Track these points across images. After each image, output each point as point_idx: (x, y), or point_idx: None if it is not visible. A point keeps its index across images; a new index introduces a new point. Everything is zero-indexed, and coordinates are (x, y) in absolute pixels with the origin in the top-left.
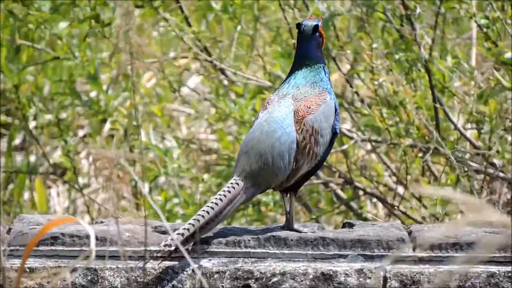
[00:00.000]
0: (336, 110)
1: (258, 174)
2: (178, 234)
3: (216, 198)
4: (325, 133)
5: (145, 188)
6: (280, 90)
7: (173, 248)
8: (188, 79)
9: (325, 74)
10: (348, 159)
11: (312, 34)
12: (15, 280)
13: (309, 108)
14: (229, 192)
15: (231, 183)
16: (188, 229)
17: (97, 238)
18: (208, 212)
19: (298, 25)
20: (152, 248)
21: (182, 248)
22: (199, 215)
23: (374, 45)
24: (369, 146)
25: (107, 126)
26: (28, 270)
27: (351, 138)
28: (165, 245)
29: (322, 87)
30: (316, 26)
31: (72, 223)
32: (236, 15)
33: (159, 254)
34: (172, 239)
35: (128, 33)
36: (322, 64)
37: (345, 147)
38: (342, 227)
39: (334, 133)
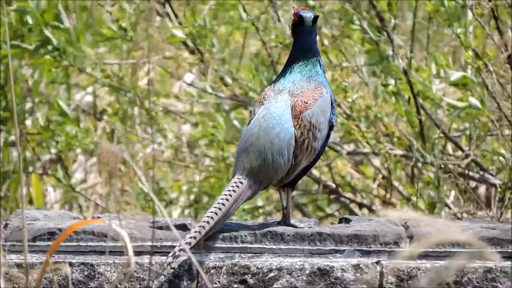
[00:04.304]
0: (332, 103)
1: (259, 171)
2: (191, 237)
3: (222, 199)
4: (323, 127)
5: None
6: (276, 84)
7: (182, 252)
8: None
9: (320, 67)
10: (332, 171)
11: (312, 26)
12: (38, 277)
13: (306, 103)
14: (234, 191)
15: (235, 182)
16: (199, 232)
17: (93, 234)
18: (216, 213)
19: (299, 17)
20: (149, 243)
21: (193, 258)
22: (208, 216)
23: (345, 64)
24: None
25: (102, 123)
26: (24, 265)
27: (336, 151)
28: (179, 250)
29: (318, 81)
30: (316, 17)
31: (68, 218)
32: (202, 41)
33: (170, 259)
34: (185, 243)
35: (147, 30)
36: (318, 57)
37: (330, 161)
38: (339, 223)
39: (331, 126)
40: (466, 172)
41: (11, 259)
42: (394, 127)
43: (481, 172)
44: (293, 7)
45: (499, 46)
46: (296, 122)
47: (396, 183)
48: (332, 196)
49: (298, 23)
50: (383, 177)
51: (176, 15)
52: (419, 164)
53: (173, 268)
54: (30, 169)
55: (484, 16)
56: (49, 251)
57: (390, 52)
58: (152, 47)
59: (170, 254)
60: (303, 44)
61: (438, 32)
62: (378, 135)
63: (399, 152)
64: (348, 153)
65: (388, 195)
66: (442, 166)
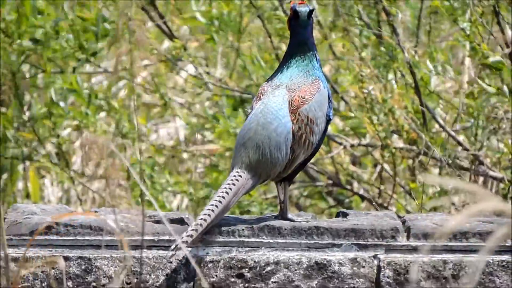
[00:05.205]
0: (329, 97)
1: (257, 166)
2: (192, 229)
3: (222, 192)
4: (320, 122)
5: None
6: (274, 80)
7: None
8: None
9: (316, 61)
10: (334, 162)
11: (307, 20)
12: (17, 269)
13: (304, 98)
14: (234, 185)
15: (234, 176)
16: (200, 225)
17: (91, 228)
18: (217, 206)
19: (294, 11)
20: (147, 237)
21: (188, 254)
22: (209, 209)
23: (363, 54)
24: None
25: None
26: (21, 259)
27: (340, 143)
28: (183, 241)
29: (315, 75)
30: (311, 11)
31: (66, 212)
32: (222, 28)
33: (171, 253)
34: (187, 235)
35: (127, 24)
36: (315, 51)
37: (334, 153)
38: (336, 217)
39: (328, 120)
40: (470, 166)
41: (9, 253)
42: (404, 120)
43: (483, 167)
44: (291, 1)
45: (498, 42)
46: (294, 116)
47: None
48: (328, 190)
49: (294, 18)
50: (381, 171)
51: (160, 15)
52: (427, 159)
53: (171, 262)
54: (28, 164)
55: (484, 13)
56: (28, 244)
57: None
58: (135, 41)
59: (172, 248)
60: (299, 38)
61: (436, 28)
62: (389, 129)
63: (412, 147)
64: (352, 146)
65: (383, 188)
66: (450, 161)
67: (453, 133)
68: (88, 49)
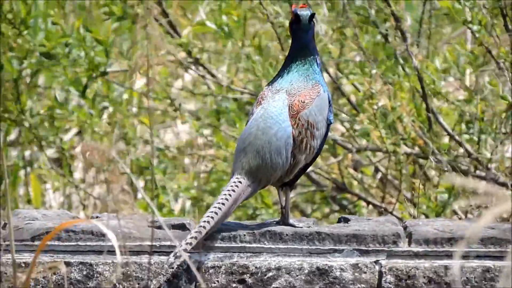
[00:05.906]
0: (329, 101)
1: (257, 171)
2: (192, 237)
3: (222, 198)
4: (321, 126)
5: (139, 182)
6: (274, 84)
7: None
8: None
9: (317, 65)
10: (340, 166)
11: (308, 24)
12: (26, 276)
13: (304, 102)
14: (234, 191)
15: (234, 182)
16: (200, 232)
17: (92, 233)
18: (216, 213)
19: (296, 15)
20: (147, 243)
21: (189, 260)
22: (209, 216)
23: (374, 71)
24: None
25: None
26: (23, 265)
27: (346, 148)
28: (183, 248)
29: (315, 80)
30: (313, 15)
31: (67, 218)
32: (232, 35)
33: (172, 259)
34: (186, 243)
35: (146, 28)
36: (316, 55)
37: (340, 158)
38: (338, 222)
39: (329, 124)
40: (474, 171)
41: (9, 259)
42: (411, 128)
43: (490, 172)
44: (292, 5)
45: (504, 45)
46: (294, 121)
47: (394, 183)
48: (333, 195)
49: (295, 21)
50: (382, 178)
51: (167, 14)
52: (428, 162)
53: (172, 268)
54: (29, 168)
55: (492, 16)
56: (37, 250)
57: (400, 49)
58: (151, 46)
59: (172, 254)
60: (300, 42)
61: (437, 32)
62: (397, 139)
63: (417, 152)
64: (358, 151)
65: (385, 195)
66: (454, 168)
67: (463, 142)
68: (100, 64)
